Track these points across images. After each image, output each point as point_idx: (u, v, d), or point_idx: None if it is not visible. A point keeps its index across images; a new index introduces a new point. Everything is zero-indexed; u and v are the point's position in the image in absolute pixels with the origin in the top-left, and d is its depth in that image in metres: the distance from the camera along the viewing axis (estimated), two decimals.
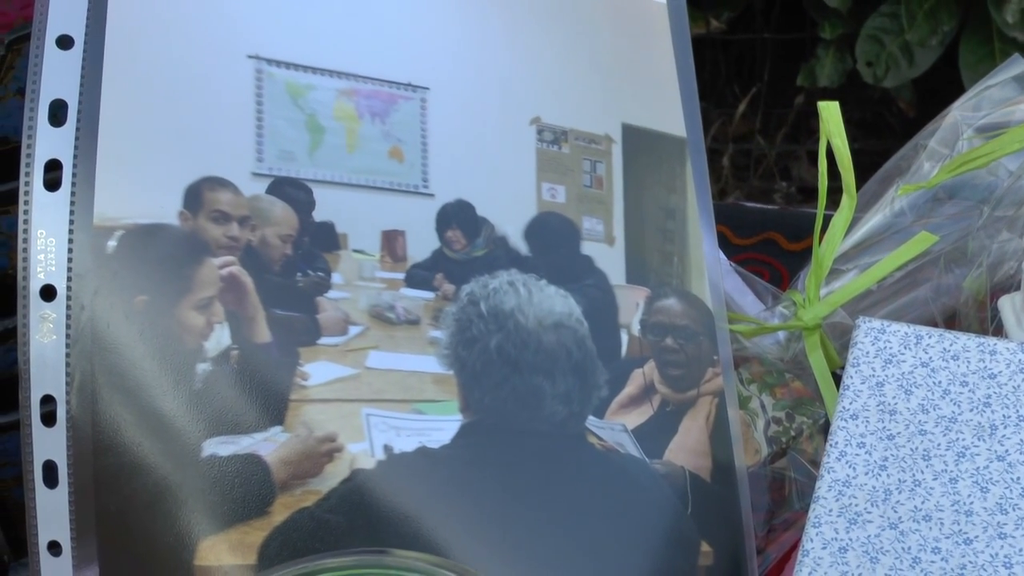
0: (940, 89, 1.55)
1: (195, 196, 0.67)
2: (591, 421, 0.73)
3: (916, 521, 0.63)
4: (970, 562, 0.62)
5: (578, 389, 0.72)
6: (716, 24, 1.76)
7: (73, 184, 0.65)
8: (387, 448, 0.68)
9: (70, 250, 0.65)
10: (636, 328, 0.76)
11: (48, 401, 0.64)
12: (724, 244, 0.87)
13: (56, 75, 0.66)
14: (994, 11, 1.47)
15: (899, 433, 0.65)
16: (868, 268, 0.83)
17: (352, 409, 0.68)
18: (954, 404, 0.65)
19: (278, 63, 0.71)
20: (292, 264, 0.69)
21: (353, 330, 0.69)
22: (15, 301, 0.65)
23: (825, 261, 0.82)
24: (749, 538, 0.75)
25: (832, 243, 0.82)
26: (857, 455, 0.65)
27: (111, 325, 0.65)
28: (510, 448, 0.70)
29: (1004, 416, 0.64)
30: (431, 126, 0.74)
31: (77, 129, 0.66)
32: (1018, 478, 0.63)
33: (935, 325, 0.77)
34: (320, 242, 0.70)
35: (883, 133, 1.79)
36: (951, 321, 0.83)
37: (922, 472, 0.64)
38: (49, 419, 0.64)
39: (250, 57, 0.70)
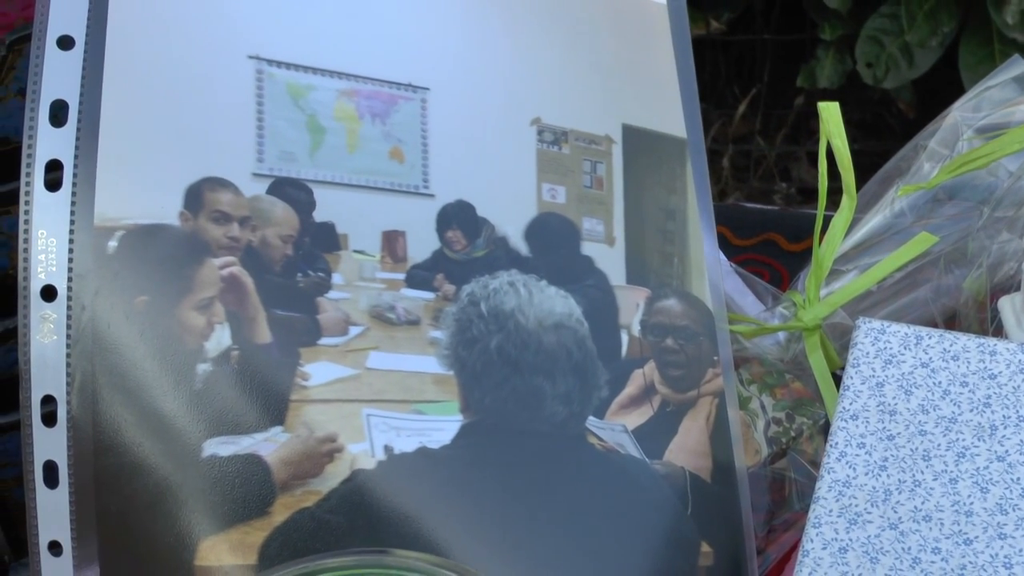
0: (940, 90, 1.55)
1: (196, 196, 0.67)
2: (591, 421, 0.73)
3: (916, 521, 0.64)
4: (970, 562, 0.62)
5: (578, 389, 0.72)
6: (716, 25, 1.76)
7: (74, 184, 0.65)
8: (387, 448, 0.68)
9: (71, 250, 0.65)
10: (636, 329, 0.76)
11: (49, 401, 0.64)
12: (724, 245, 0.87)
13: (57, 75, 0.66)
14: (994, 12, 1.47)
15: (899, 433, 0.65)
16: (868, 269, 0.83)
17: (352, 409, 0.68)
18: (954, 404, 0.65)
19: (279, 63, 0.71)
20: (293, 264, 0.69)
21: (353, 330, 0.69)
22: (16, 301, 0.65)
23: (825, 262, 0.82)
24: (749, 538, 0.75)
25: (832, 244, 0.82)
26: (857, 455, 0.65)
27: (112, 325, 0.65)
28: (510, 448, 0.70)
29: (1004, 416, 0.64)
30: (432, 127, 0.74)
31: (78, 129, 0.66)
32: (1018, 478, 0.63)
33: (935, 326, 0.77)
34: (321, 243, 0.70)
35: (883, 134, 1.79)
36: (951, 322, 0.83)
37: (922, 472, 0.64)
38: (50, 419, 0.64)
39: (251, 57, 0.70)
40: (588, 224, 0.76)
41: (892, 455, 0.65)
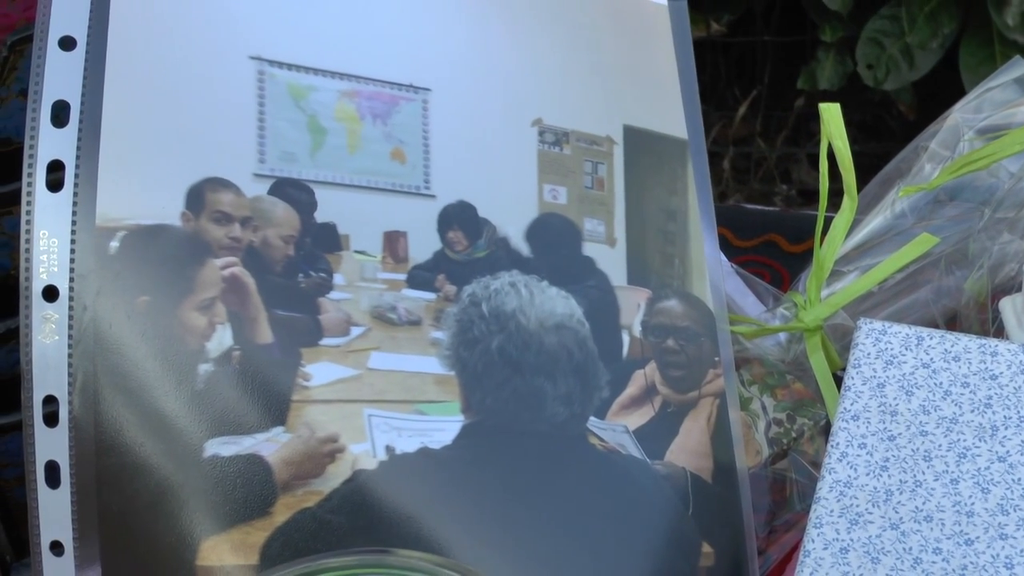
0: (940, 92, 1.55)
1: (197, 197, 0.68)
2: (592, 422, 0.73)
3: (917, 522, 0.64)
4: (971, 563, 0.62)
5: (579, 390, 0.72)
6: (716, 27, 1.77)
7: (75, 185, 0.65)
8: (389, 449, 0.68)
9: (72, 251, 0.65)
10: (637, 329, 0.76)
11: (50, 401, 0.64)
12: (725, 246, 0.87)
13: (58, 76, 0.66)
14: (994, 14, 1.47)
15: (900, 434, 0.65)
16: (869, 270, 0.83)
17: (354, 410, 0.68)
18: (955, 405, 0.65)
19: (280, 64, 0.71)
20: (294, 265, 0.69)
21: (355, 331, 0.69)
22: (17, 302, 0.65)
23: (826, 263, 0.82)
24: (750, 539, 0.75)
25: (833, 245, 0.82)
26: (858, 456, 0.65)
27: (113, 326, 0.65)
28: (511, 449, 0.70)
29: (1005, 417, 0.64)
30: (433, 127, 0.74)
31: (79, 130, 0.66)
32: (1019, 479, 0.63)
33: (936, 327, 0.77)
34: (322, 243, 0.70)
35: (883, 136, 1.79)
36: (952, 323, 0.84)
37: (923, 473, 0.64)
38: (51, 419, 0.64)
39: (252, 58, 0.70)
40: (589, 225, 0.76)
41: (893, 455, 0.65)
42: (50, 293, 0.65)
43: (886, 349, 0.67)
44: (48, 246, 0.65)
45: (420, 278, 0.72)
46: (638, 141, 0.79)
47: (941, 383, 0.66)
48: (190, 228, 0.67)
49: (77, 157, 0.66)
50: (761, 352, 0.84)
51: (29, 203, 0.65)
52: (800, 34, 1.75)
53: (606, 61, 0.79)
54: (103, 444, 0.64)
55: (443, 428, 0.69)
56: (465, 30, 0.76)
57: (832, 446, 0.66)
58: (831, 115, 0.82)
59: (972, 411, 0.65)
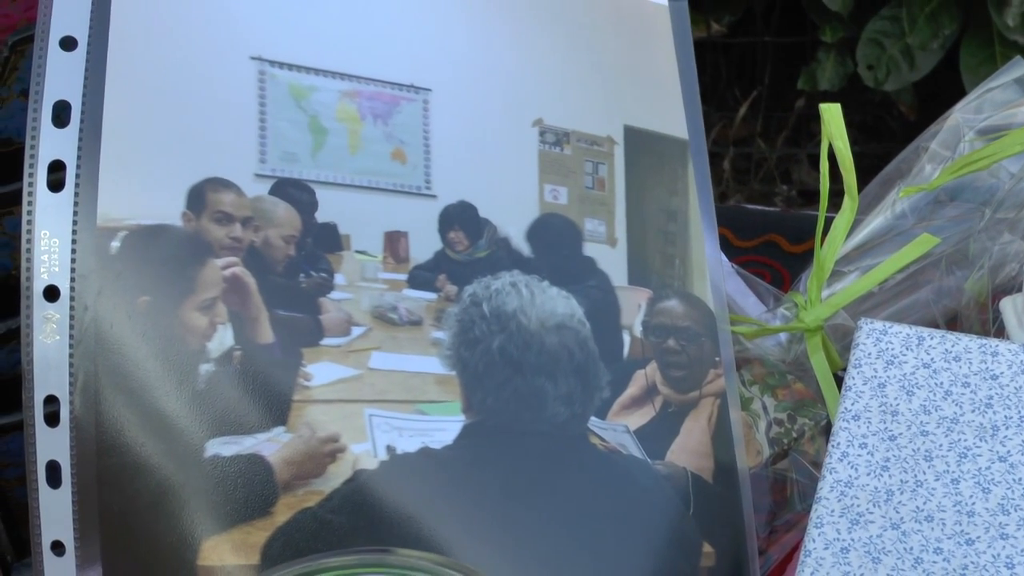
0: (941, 92, 1.55)
1: (198, 197, 0.68)
2: (593, 422, 0.73)
3: (918, 522, 0.64)
4: (972, 563, 0.62)
5: (580, 390, 0.73)
6: (717, 27, 1.77)
7: (77, 185, 0.65)
8: (390, 449, 0.68)
9: (73, 251, 0.65)
10: (638, 329, 0.76)
11: (51, 401, 0.64)
12: (725, 246, 0.87)
13: (59, 76, 0.66)
14: (995, 14, 1.47)
15: (901, 434, 0.65)
16: (869, 270, 0.83)
17: (355, 410, 0.68)
18: (956, 405, 0.65)
19: (281, 64, 0.71)
20: (295, 265, 0.69)
21: (356, 331, 0.69)
22: (18, 302, 0.65)
23: (827, 263, 0.82)
24: (751, 539, 0.75)
25: (833, 245, 0.82)
26: (859, 456, 0.65)
27: (114, 326, 0.65)
28: (512, 449, 0.70)
29: (1006, 417, 0.64)
30: (434, 128, 0.74)
31: (80, 130, 0.66)
32: (1020, 479, 0.63)
33: (937, 327, 0.77)
34: (323, 243, 0.70)
35: (884, 136, 1.79)
36: (952, 323, 0.84)
37: (924, 473, 0.64)
38: (52, 419, 0.64)
39: (253, 59, 0.70)
40: (590, 225, 0.76)
41: (894, 455, 0.65)
42: (51, 293, 0.65)
43: (887, 349, 0.67)
44: (49, 246, 0.65)
45: (421, 278, 0.72)
46: (639, 141, 0.79)
47: (942, 383, 0.66)
48: (191, 228, 0.67)
49: (78, 157, 0.66)
50: (762, 352, 0.84)
51: (30, 203, 0.65)
52: (800, 35, 1.75)
53: (607, 61, 0.79)
54: (104, 444, 0.64)
55: (444, 428, 0.69)
56: (466, 30, 0.76)
57: (833, 446, 0.66)
58: (832, 116, 0.82)
59: (973, 411, 0.65)
